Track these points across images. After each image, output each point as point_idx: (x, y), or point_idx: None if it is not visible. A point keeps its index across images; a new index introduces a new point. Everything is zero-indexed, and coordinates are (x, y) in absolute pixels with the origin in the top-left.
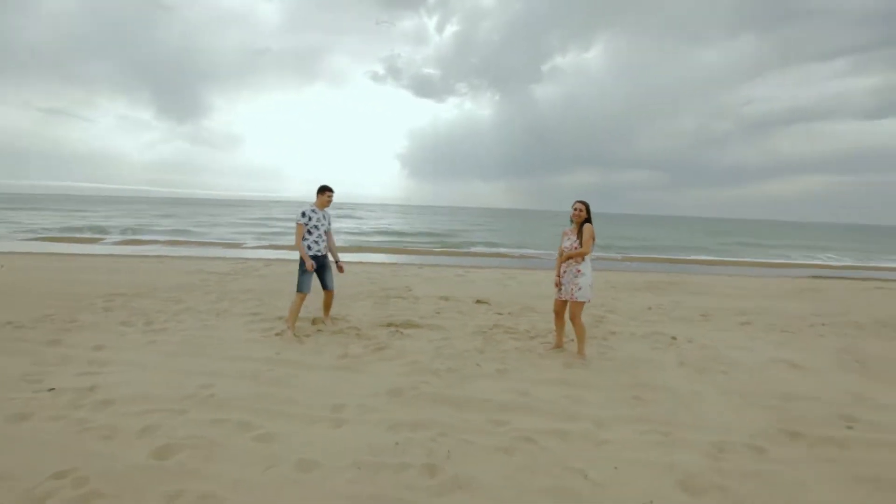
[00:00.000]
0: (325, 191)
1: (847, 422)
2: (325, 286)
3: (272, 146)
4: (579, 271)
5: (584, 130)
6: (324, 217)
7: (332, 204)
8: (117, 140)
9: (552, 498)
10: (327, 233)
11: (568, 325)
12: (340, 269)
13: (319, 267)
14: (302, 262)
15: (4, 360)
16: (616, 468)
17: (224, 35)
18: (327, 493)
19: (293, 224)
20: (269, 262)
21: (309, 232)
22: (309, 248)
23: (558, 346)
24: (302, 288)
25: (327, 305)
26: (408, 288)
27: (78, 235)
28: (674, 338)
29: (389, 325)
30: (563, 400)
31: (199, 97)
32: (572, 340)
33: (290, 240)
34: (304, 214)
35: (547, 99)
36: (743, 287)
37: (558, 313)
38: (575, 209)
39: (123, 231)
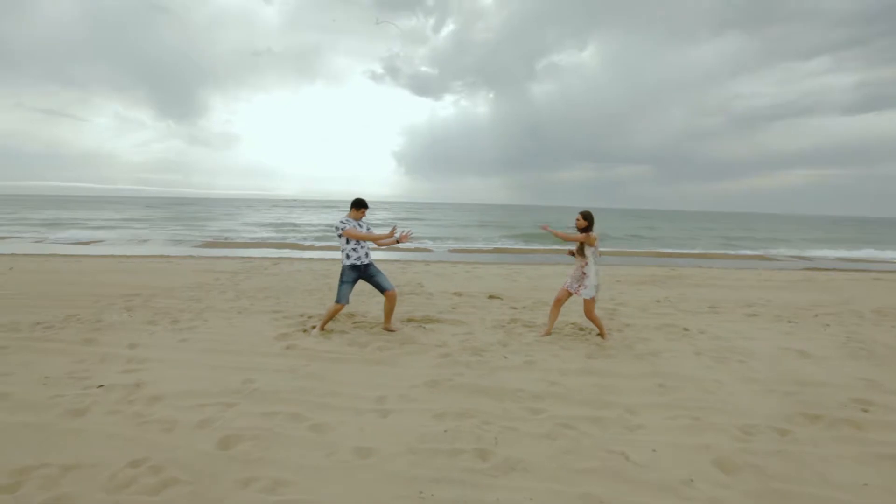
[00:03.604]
0: (360, 206)
1: (862, 405)
2: (381, 290)
3: (269, 145)
4: (584, 275)
5: (579, 127)
6: (359, 226)
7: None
8: (111, 140)
9: (601, 477)
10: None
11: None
12: (400, 238)
13: (365, 276)
14: (343, 272)
15: (46, 359)
16: (654, 450)
17: (224, 36)
18: (390, 476)
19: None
20: (275, 260)
21: (347, 241)
22: (348, 256)
23: (547, 333)
24: (339, 298)
25: (388, 310)
26: (420, 284)
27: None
28: (686, 329)
29: (410, 320)
30: (591, 388)
31: (197, 97)
32: (581, 330)
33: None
34: (342, 221)
35: (542, 96)
36: (742, 279)
37: (559, 300)
38: (576, 219)
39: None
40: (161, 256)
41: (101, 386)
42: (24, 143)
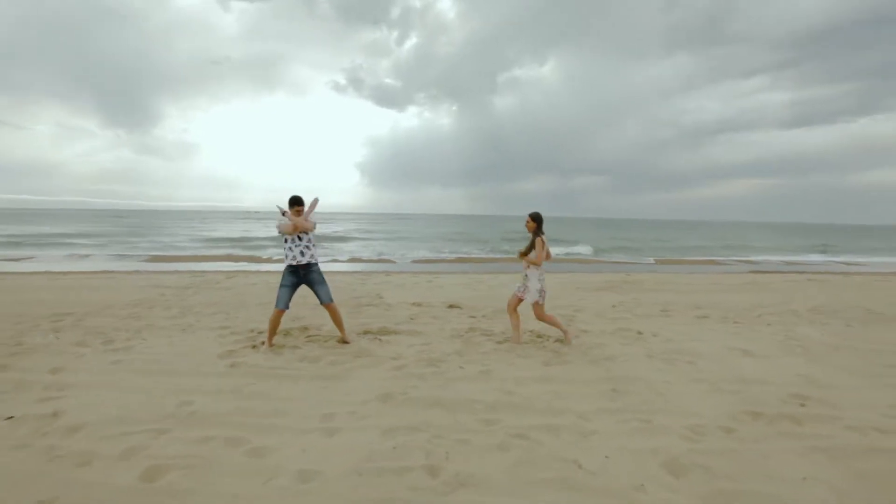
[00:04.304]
0: (293, 204)
1: (799, 400)
2: (319, 300)
3: (230, 155)
4: (526, 276)
5: (540, 139)
6: None
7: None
8: (54, 149)
9: (553, 488)
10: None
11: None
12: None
13: (305, 280)
14: (283, 275)
15: None
16: (607, 457)
17: (181, 44)
18: (332, 500)
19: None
20: (230, 274)
21: (285, 240)
22: (285, 257)
23: (515, 341)
24: (277, 303)
25: (336, 323)
26: (378, 295)
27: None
28: (640, 332)
29: (366, 332)
30: (546, 396)
31: (150, 106)
32: (539, 337)
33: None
34: (283, 214)
35: (504, 109)
36: (693, 283)
37: (511, 304)
38: (526, 221)
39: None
40: (103, 272)
41: (10, 418)
42: None
